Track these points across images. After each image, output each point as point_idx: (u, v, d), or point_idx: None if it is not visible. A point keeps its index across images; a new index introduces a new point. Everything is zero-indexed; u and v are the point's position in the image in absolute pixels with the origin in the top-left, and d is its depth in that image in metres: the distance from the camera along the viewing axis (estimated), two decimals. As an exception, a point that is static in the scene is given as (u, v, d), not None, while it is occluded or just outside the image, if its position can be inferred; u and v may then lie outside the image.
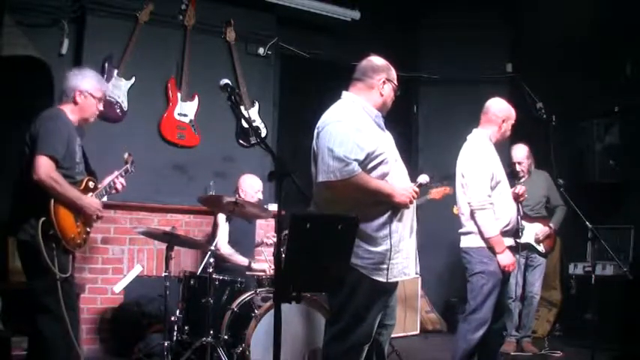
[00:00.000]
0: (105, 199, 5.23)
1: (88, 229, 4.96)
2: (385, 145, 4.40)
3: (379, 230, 4.26)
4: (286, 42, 9.02)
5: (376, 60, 4.67)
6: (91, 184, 4.99)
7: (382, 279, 4.27)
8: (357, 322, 4.28)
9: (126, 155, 5.68)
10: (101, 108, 5.13)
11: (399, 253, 4.32)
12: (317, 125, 4.46)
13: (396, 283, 4.45)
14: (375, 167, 4.30)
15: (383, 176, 4.33)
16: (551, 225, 7.74)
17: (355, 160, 4.16)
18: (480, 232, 5.37)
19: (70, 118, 4.89)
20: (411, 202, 4.33)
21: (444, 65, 9.76)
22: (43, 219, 4.53)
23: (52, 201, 4.58)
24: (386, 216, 4.28)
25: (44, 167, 4.53)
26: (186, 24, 8.01)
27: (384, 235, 4.27)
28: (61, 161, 4.67)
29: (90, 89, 4.95)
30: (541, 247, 7.65)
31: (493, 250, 5.33)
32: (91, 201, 4.87)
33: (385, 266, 4.27)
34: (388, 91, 4.56)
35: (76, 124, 4.95)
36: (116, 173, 5.39)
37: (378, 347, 4.56)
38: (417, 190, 4.39)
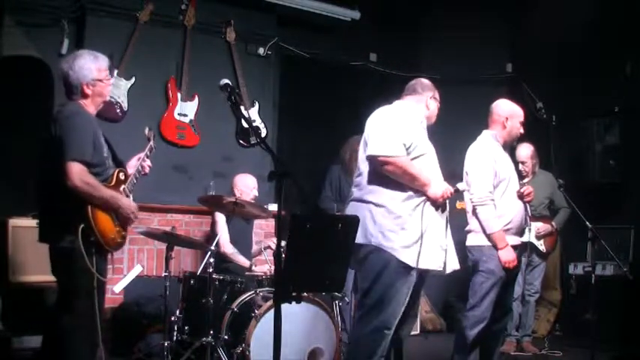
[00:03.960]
0: None
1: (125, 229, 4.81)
2: (426, 145, 4.84)
3: (411, 214, 4.59)
4: (286, 42, 9.01)
5: (424, 80, 5.21)
6: (122, 176, 4.80)
7: (410, 262, 4.53)
8: (382, 303, 4.53)
9: (147, 131, 5.50)
10: (111, 82, 4.94)
11: (429, 242, 4.60)
12: (369, 117, 4.91)
13: (422, 273, 4.74)
14: (414, 158, 4.69)
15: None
16: (553, 224, 7.75)
17: (403, 144, 4.61)
18: (482, 228, 5.43)
19: (89, 110, 4.71)
20: (442, 198, 4.69)
21: (443, 65, 9.72)
22: (82, 225, 4.39)
23: (89, 207, 4.43)
24: (418, 204, 4.63)
25: (77, 174, 4.36)
26: (187, 24, 8.01)
27: (416, 219, 4.59)
28: (91, 161, 4.49)
29: (93, 76, 4.72)
30: (542, 247, 7.65)
31: (495, 247, 5.37)
32: (127, 202, 4.72)
33: (414, 250, 4.54)
34: (433, 107, 5.11)
35: (94, 113, 4.78)
36: (141, 155, 5.20)
37: (398, 342, 4.80)
38: (453, 192, 4.75)
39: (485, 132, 5.76)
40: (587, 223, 6.18)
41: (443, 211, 4.79)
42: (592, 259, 6.55)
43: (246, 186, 7.18)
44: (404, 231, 4.55)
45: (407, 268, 4.55)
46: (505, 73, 9.95)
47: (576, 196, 6.72)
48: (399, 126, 4.70)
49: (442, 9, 9.74)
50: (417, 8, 9.76)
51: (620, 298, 7.81)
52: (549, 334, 8.75)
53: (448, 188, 4.73)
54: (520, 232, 5.60)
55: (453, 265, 4.87)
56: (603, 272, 7.96)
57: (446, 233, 4.81)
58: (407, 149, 4.65)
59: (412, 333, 8.54)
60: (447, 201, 4.82)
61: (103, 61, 4.85)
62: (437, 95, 5.15)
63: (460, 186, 4.90)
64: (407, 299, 4.62)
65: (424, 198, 4.66)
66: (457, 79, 9.65)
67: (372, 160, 4.69)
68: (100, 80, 4.77)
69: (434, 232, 4.67)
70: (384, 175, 4.64)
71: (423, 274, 4.79)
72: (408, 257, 4.53)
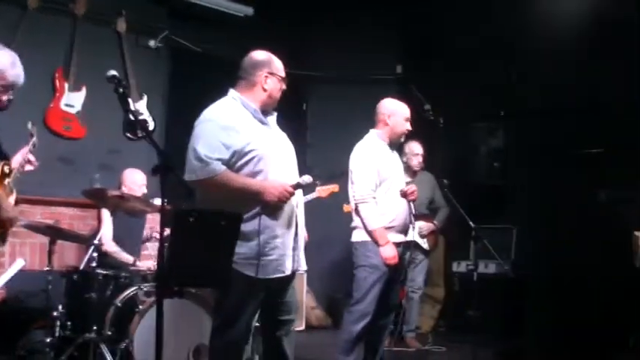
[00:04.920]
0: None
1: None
2: (262, 141, 4.40)
3: (248, 225, 4.27)
4: (178, 35, 8.90)
5: (257, 55, 4.73)
6: (6, 169, 4.61)
7: (253, 274, 4.28)
8: (232, 317, 4.34)
9: (29, 126, 5.30)
10: (10, 97, 4.61)
11: (273, 250, 4.34)
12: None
13: (278, 279, 4.42)
14: (245, 164, 4.34)
15: (255, 174, 4.35)
16: (435, 222, 7.95)
17: (218, 159, 4.24)
18: (364, 225, 5.52)
19: None
20: (281, 201, 4.32)
21: (334, 64, 9.81)
22: None
23: None
24: (256, 212, 4.30)
25: None
26: (77, 12, 7.80)
27: (254, 230, 4.29)
28: None
29: None
30: (425, 244, 7.82)
31: (376, 243, 5.47)
32: (9, 206, 4.53)
33: (256, 262, 4.28)
34: (272, 85, 4.60)
35: None
36: (24, 150, 4.99)
37: (278, 344, 4.57)
38: (291, 190, 4.35)
39: (371, 131, 5.85)
40: (471, 222, 6.33)
41: (279, 211, 4.37)
42: (475, 258, 6.72)
43: (134, 182, 7.00)
44: (242, 243, 4.20)
45: (252, 281, 4.30)
46: (395, 74, 10.07)
47: (462, 197, 6.87)
48: (213, 139, 4.30)
49: (335, 9, 9.79)
50: (310, 6, 9.79)
51: (502, 295, 8.05)
52: (433, 330, 8.92)
53: (285, 188, 4.31)
54: (404, 230, 5.71)
55: (302, 266, 4.62)
56: (486, 270, 8.15)
57: (297, 232, 4.52)
58: (229, 161, 4.29)
59: (297, 329, 8.56)
60: (295, 198, 4.47)
61: (13, 73, 4.62)
62: (274, 68, 4.64)
63: (303, 180, 4.46)
64: (257, 310, 4.42)
65: (260, 205, 4.31)
66: (347, 78, 9.76)
67: (190, 184, 4.26)
68: None
69: (279, 236, 4.38)
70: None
71: (274, 283, 4.44)
72: (250, 269, 4.28)
